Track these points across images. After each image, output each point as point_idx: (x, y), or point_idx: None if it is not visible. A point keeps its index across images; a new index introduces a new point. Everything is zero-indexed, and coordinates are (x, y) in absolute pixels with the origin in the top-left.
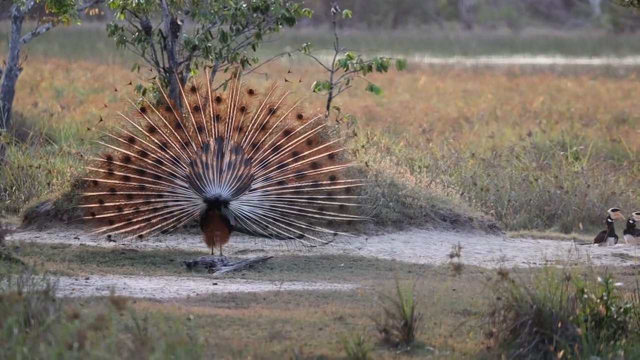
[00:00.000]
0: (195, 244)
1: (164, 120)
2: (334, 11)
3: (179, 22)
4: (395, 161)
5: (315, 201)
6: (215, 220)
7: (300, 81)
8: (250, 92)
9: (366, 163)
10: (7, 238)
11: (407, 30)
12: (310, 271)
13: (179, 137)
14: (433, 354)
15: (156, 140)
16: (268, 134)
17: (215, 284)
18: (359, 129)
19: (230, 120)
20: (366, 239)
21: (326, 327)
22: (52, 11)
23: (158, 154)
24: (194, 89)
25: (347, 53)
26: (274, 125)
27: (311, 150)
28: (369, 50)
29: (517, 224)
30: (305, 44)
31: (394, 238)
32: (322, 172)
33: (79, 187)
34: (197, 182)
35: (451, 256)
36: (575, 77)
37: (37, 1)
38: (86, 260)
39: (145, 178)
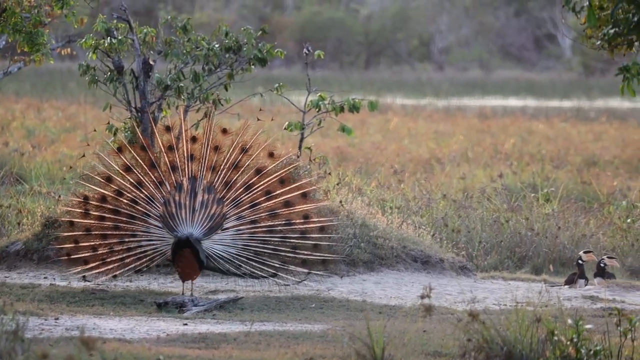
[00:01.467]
0: (165, 284)
1: (139, 160)
2: (306, 52)
3: (151, 62)
4: (366, 202)
5: (289, 240)
6: (185, 256)
7: (272, 120)
8: (224, 131)
9: (340, 202)
10: None
11: (379, 71)
12: (281, 312)
13: (153, 177)
14: None
15: (131, 180)
16: (240, 172)
17: (186, 324)
18: (330, 169)
19: (204, 160)
20: (341, 277)
21: None
22: (24, 50)
23: (133, 194)
24: (168, 128)
25: (319, 94)
26: (246, 164)
27: (284, 189)
28: (341, 91)
29: (488, 266)
30: (277, 85)
31: (365, 279)
32: (295, 210)
33: (50, 226)
34: (170, 221)
35: (422, 297)
36: (547, 119)
37: (9, 40)
38: (56, 300)
39: (120, 218)
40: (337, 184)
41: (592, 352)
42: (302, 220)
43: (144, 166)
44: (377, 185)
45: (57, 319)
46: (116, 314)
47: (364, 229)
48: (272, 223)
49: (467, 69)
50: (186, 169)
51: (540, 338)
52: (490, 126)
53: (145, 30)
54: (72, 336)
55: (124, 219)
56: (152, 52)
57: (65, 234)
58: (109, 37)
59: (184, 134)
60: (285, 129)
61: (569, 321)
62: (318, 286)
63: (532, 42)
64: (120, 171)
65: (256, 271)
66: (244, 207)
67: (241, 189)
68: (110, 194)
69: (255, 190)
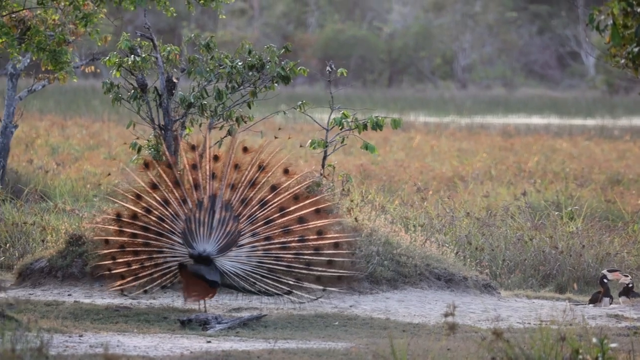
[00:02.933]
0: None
1: (165, 177)
2: (330, 70)
3: (175, 80)
4: (389, 220)
5: (302, 256)
6: (184, 276)
7: (289, 138)
8: (245, 149)
9: (355, 218)
10: (1, 295)
11: (402, 89)
12: (304, 329)
13: (177, 194)
14: None
15: (157, 197)
16: (256, 190)
17: (209, 342)
18: (353, 187)
19: (224, 178)
20: (358, 296)
21: None
22: (48, 68)
23: (159, 211)
24: (193, 147)
25: (343, 111)
26: (262, 182)
27: (297, 205)
28: (364, 109)
29: (512, 284)
30: (300, 102)
31: (389, 297)
32: (309, 226)
33: (74, 244)
34: (189, 238)
35: (446, 315)
36: (570, 137)
37: (34, 58)
38: (80, 318)
39: (149, 235)
40: (360, 202)
41: None
42: (315, 236)
43: (169, 183)
44: (400, 203)
45: (81, 336)
46: (140, 331)
47: (387, 247)
48: (286, 239)
49: (490, 87)
50: (207, 186)
51: (564, 357)
52: (513, 144)
53: (168, 48)
54: (96, 353)
55: (152, 235)
56: (175, 69)
57: (105, 251)
58: (132, 55)
59: (207, 153)
60: (308, 146)
61: (594, 340)
62: (341, 304)
63: (555, 60)
64: (147, 188)
65: (270, 288)
66: (259, 224)
67: (257, 206)
68: (140, 211)
69: (270, 207)
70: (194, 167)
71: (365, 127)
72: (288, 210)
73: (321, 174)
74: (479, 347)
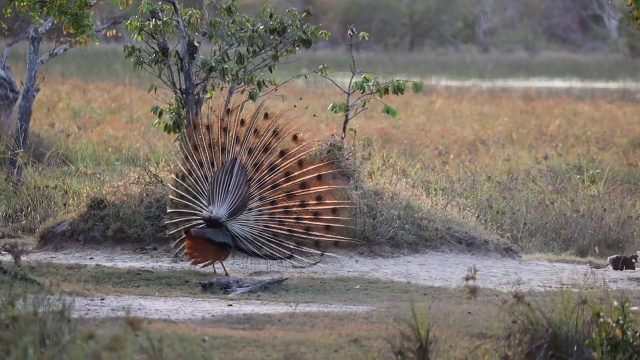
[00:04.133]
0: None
1: (203, 140)
2: (351, 33)
3: (196, 44)
4: (410, 183)
5: (302, 221)
6: (191, 241)
7: (306, 108)
8: (265, 115)
9: (355, 186)
10: (23, 258)
11: (423, 53)
12: (325, 293)
13: (209, 157)
14: None
15: (197, 159)
16: (267, 154)
17: (231, 305)
18: (374, 151)
19: (245, 142)
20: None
21: (341, 349)
22: (70, 32)
23: (196, 173)
24: (228, 111)
25: (364, 75)
26: (274, 147)
27: (301, 171)
28: (385, 73)
29: (533, 247)
30: (321, 66)
31: (410, 260)
32: (309, 192)
33: (96, 207)
34: (209, 200)
35: (467, 279)
36: (592, 100)
37: (55, 22)
38: (102, 281)
39: (188, 196)
40: (381, 166)
41: (638, 334)
42: (315, 202)
43: (205, 146)
44: (421, 167)
45: (103, 299)
46: (161, 294)
47: (408, 211)
48: (288, 204)
49: (511, 51)
50: (232, 150)
51: (585, 320)
52: (535, 108)
53: (190, 11)
54: (117, 316)
55: (191, 197)
56: (196, 33)
57: (170, 210)
58: (154, 19)
59: (236, 116)
60: (329, 110)
61: (615, 303)
62: (362, 268)
63: (577, 24)
64: (190, 150)
65: (275, 252)
66: (266, 188)
67: (266, 171)
68: (185, 172)
69: (277, 172)
70: (225, 130)
71: (386, 90)
72: (292, 175)
73: (342, 138)
74: (500, 311)
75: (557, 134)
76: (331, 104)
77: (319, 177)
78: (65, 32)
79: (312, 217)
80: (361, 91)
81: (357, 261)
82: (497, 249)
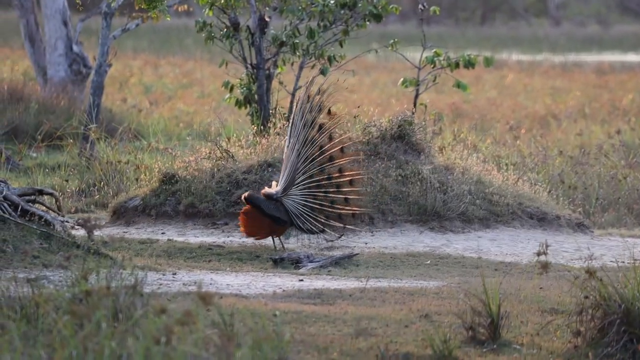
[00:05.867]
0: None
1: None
2: (422, 8)
3: (267, 19)
4: (481, 158)
5: (329, 194)
6: (247, 215)
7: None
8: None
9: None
10: (96, 233)
11: (494, 27)
12: (396, 268)
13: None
14: (520, 352)
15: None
16: (310, 129)
17: (301, 280)
18: (445, 126)
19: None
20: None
21: (412, 325)
22: (142, 7)
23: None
24: (319, 92)
25: (435, 50)
26: (316, 122)
27: (330, 144)
28: (456, 47)
29: (605, 223)
30: (392, 41)
31: (481, 236)
32: (334, 164)
33: (168, 182)
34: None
35: (538, 254)
36: None
37: None
38: (173, 256)
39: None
40: (452, 141)
41: None
42: (337, 174)
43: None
44: (492, 142)
45: (174, 274)
46: (233, 269)
47: (479, 186)
48: (319, 178)
49: (584, 24)
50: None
51: None
52: (608, 82)
53: None
54: (189, 291)
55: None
56: (267, 8)
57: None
58: None
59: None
60: (400, 85)
61: None
62: (433, 243)
63: None
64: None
65: (313, 227)
66: (307, 163)
67: (309, 145)
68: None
69: (314, 146)
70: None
71: (457, 65)
72: (324, 148)
73: (413, 113)
74: (572, 286)
75: (630, 108)
76: (402, 79)
77: (342, 150)
78: (137, 8)
79: (335, 190)
80: (432, 66)
81: (420, 232)
82: (569, 224)
